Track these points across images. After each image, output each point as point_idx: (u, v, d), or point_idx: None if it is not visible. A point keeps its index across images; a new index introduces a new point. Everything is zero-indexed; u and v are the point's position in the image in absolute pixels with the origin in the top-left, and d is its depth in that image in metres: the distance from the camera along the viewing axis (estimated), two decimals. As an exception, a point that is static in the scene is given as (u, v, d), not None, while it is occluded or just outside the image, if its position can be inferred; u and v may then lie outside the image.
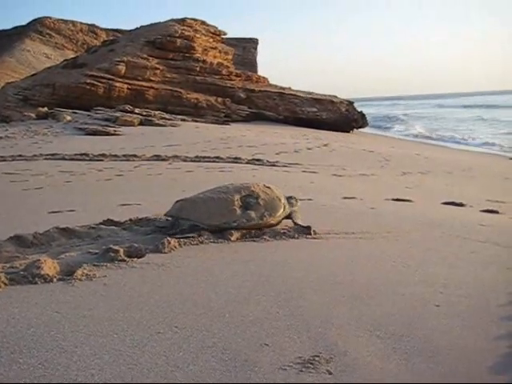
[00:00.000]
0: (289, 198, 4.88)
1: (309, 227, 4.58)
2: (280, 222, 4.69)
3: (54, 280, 3.29)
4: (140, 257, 3.84)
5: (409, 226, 4.98)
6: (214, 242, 4.25)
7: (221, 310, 2.84)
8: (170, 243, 4.07)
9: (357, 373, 2.22)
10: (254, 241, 4.33)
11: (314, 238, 4.42)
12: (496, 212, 6.29)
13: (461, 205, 6.72)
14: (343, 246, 4.24)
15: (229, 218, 4.44)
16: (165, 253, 3.95)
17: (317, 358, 2.31)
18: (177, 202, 4.67)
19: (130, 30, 37.04)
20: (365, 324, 2.70)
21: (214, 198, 4.55)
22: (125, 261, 3.72)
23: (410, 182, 9.42)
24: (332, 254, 4.02)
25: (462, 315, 2.86)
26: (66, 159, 11.04)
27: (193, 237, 4.29)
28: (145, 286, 3.24)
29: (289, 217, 4.75)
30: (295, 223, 4.71)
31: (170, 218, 4.71)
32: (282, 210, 4.66)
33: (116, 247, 3.87)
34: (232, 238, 4.32)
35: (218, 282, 3.30)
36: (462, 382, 2.20)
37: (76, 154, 11.53)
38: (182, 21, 33.84)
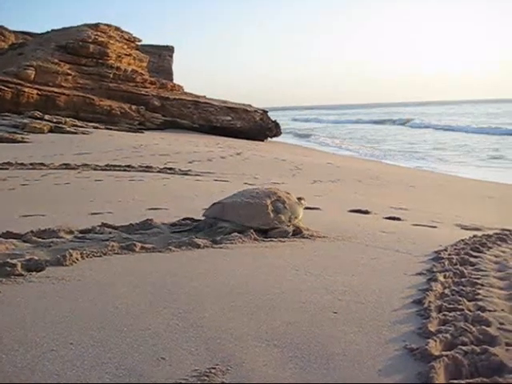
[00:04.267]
0: (299, 199, 5.41)
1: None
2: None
3: None
4: (39, 270, 3.70)
5: (314, 234, 5.08)
6: (117, 254, 4.18)
7: (119, 324, 2.78)
8: (71, 255, 3.95)
9: (252, 383, 2.24)
10: (160, 251, 4.29)
11: (220, 248, 4.44)
12: (398, 219, 6.53)
13: (366, 212, 6.93)
14: (248, 255, 4.27)
15: (265, 220, 4.94)
16: (66, 265, 3.83)
17: (213, 370, 2.31)
18: (214, 204, 5.15)
19: (41, 34, 35.74)
20: (263, 334, 2.73)
21: (251, 202, 5.01)
22: (22, 275, 3.58)
23: (320, 190, 9.63)
24: (236, 263, 4.04)
25: (358, 321, 2.95)
26: (-34, 168, 10.51)
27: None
28: (42, 301, 3.13)
29: None
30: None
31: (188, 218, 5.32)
32: (301, 213, 5.26)
33: (13, 261, 3.72)
34: (136, 249, 4.28)
35: (119, 295, 3.23)
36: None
37: (-22, 163, 11.00)
38: (96, 26, 33.12)
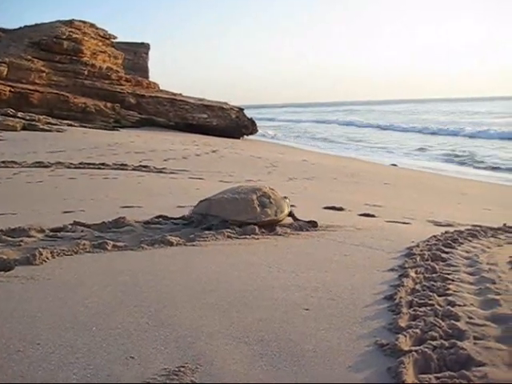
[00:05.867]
0: (284, 198, 5.55)
1: (314, 221, 5.32)
2: (284, 219, 5.32)
3: None
4: (8, 270, 3.64)
5: (288, 231, 5.09)
6: (89, 252, 4.14)
7: (88, 324, 2.75)
8: (41, 254, 3.90)
9: (221, 381, 2.23)
10: (132, 249, 4.26)
11: (193, 245, 4.42)
12: (372, 216, 6.56)
13: (340, 209, 6.95)
14: (221, 253, 4.25)
15: (252, 214, 5.04)
16: (36, 264, 3.78)
17: (182, 369, 2.28)
18: (201, 201, 5.27)
19: (13, 30, 35.11)
20: (235, 331, 2.71)
21: (237, 198, 5.14)
22: (-10, 275, 3.52)
23: (296, 187, 9.63)
24: (209, 261, 4.01)
25: (330, 317, 2.95)
26: None
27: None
28: (9, 301, 3.07)
29: (290, 214, 5.44)
30: (298, 219, 5.40)
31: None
32: (287, 208, 5.39)
33: (-19, 261, 3.66)
34: (108, 248, 4.23)
35: (89, 294, 3.19)
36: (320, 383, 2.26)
37: None
38: (70, 22, 32.64)
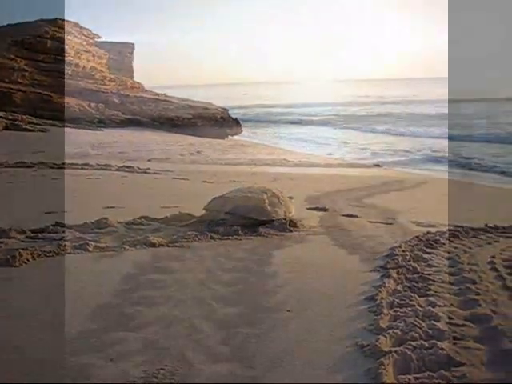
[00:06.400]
0: (289, 198, 5.82)
1: (293, 221, 5.40)
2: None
3: None
4: (-13, 271, 3.61)
5: (271, 232, 5.08)
6: (70, 253, 4.11)
7: (67, 325, 2.73)
8: (22, 256, 3.86)
9: (201, 382, 2.22)
10: (114, 250, 4.23)
11: (175, 246, 4.40)
12: (356, 216, 6.58)
13: (324, 210, 6.97)
14: (203, 254, 4.25)
15: (263, 213, 5.21)
16: (16, 266, 3.75)
17: (162, 371, 2.28)
18: (215, 198, 5.37)
19: (-4, 28, 34.80)
20: (215, 333, 2.71)
21: (250, 197, 5.32)
22: (-31, 276, 3.48)
23: (280, 188, 9.60)
24: (190, 262, 4.01)
25: (311, 319, 2.96)
26: None
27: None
28: (-13, 303, 3.05)
29: None
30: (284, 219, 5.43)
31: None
32: (293, 208, 5.60)
33: (-40, 262, 3.62)
34: (90, 249, 4.21)
35: (69, 296, 3.18)
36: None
37: None
38: (54, 21, 32.38)
